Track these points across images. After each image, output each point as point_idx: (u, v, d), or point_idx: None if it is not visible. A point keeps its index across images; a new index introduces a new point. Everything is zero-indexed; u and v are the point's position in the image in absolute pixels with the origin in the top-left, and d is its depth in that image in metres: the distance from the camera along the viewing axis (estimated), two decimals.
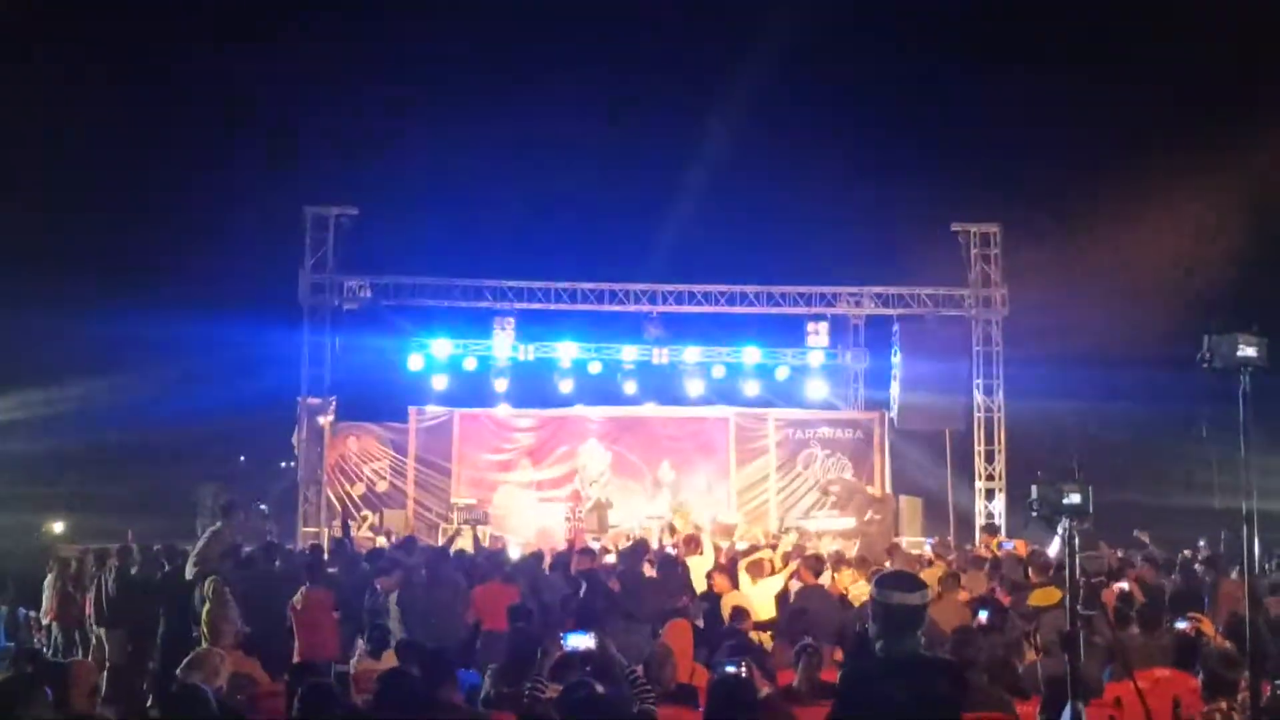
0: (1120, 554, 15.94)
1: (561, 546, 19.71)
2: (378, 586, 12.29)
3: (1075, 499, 5.73)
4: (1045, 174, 25.29)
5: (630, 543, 18.49)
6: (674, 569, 13.21)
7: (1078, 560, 5.88)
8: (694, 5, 26.02)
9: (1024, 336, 24.07)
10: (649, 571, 13.21)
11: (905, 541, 20.54)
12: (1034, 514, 5.89)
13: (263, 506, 17.24)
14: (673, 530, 18.71)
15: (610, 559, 15.70)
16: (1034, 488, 5.91)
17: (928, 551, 17.82)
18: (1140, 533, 17.32)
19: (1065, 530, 5.73)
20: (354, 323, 23.31)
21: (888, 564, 14.44)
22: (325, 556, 14.03)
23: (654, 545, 17.77)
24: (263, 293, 24.98)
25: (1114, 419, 24.09)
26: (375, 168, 25.93)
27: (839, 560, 14.89)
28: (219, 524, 13.72)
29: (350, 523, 19.25)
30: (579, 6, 25.23)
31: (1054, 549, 13.29)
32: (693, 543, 14.77)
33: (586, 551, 15.15)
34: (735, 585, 12.81)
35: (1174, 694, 6.91)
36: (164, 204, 26.40)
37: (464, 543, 20.35)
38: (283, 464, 26.75)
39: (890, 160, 26.79)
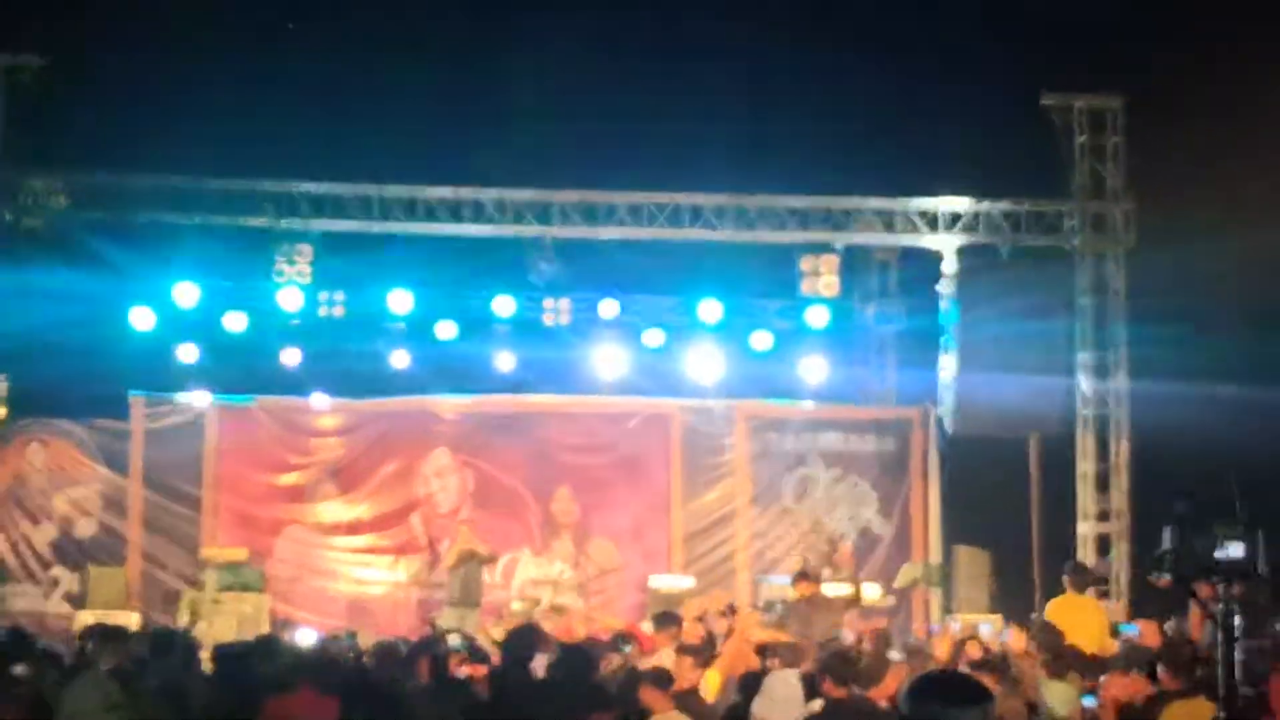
0: None
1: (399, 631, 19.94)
2: None
3: (1236, 551, 6.03)
4: (1197, 14, 24.69)
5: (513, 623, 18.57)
6: (585, 667, 12.87)
7: (1237, 652, 6.26)
8: None
9: (1160, 282, 23.62)
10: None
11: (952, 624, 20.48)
12: (1164, 575, 6.33)
13: None
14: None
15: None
16: (1168, 531, 6.31)
17: (989, 637, 17.61)
18: None
19: (1220, 602, 6.02)
20: (38, 251, 23.01)
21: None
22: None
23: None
24: None
25: None
26: None
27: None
28: None
29: None
30: None
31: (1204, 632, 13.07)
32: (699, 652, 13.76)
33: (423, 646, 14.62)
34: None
35: None
36: None
37: (225, 628, 20.34)
38: None
39: None
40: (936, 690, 5.05)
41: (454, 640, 16.72)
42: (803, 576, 21.05)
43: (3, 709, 10.64)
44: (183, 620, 21.19)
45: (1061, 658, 13.53)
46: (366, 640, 18.05)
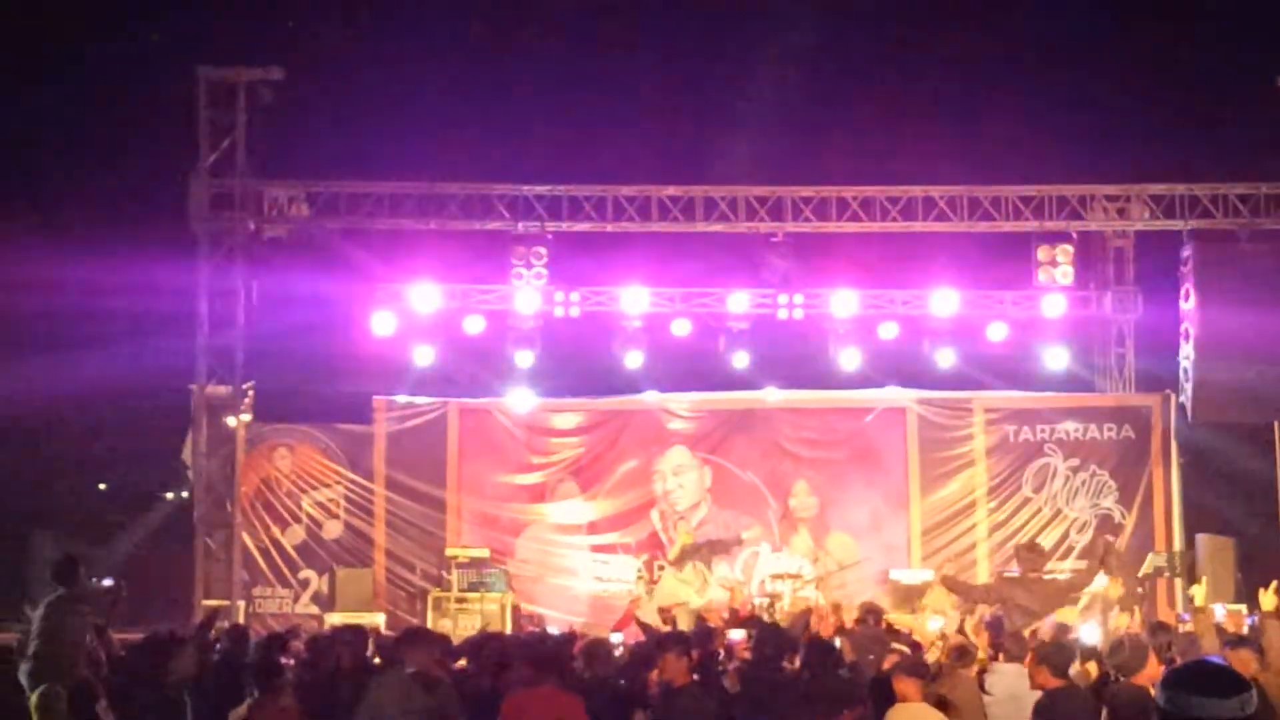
0: None
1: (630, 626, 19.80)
2: None
3: None
4: None
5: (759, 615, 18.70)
6: (833, 662, 13.16)
7: None
8: None
9: None
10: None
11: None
12: None
13: (106, 581, 17.36)
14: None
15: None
16: None
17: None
18: None
19: None
20: (281, 258, 23.32)
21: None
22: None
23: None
24: (130, 210, 25.12)
25: None
26: (314, 4, 25.63)
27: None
28: (60, 592, 13.99)
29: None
30: None
31: None
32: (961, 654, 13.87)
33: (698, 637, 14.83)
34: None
35: None
36: None
37: (470, 628, 20.60)
38: (168, 495, 26.85)
39: None
40: (1194, 681, 4.93)
41: (735, 634, 17.09)
42: (1020, 554, 21.28)
43: (274, 699, 11.36)
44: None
45: None
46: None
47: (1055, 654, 11.67)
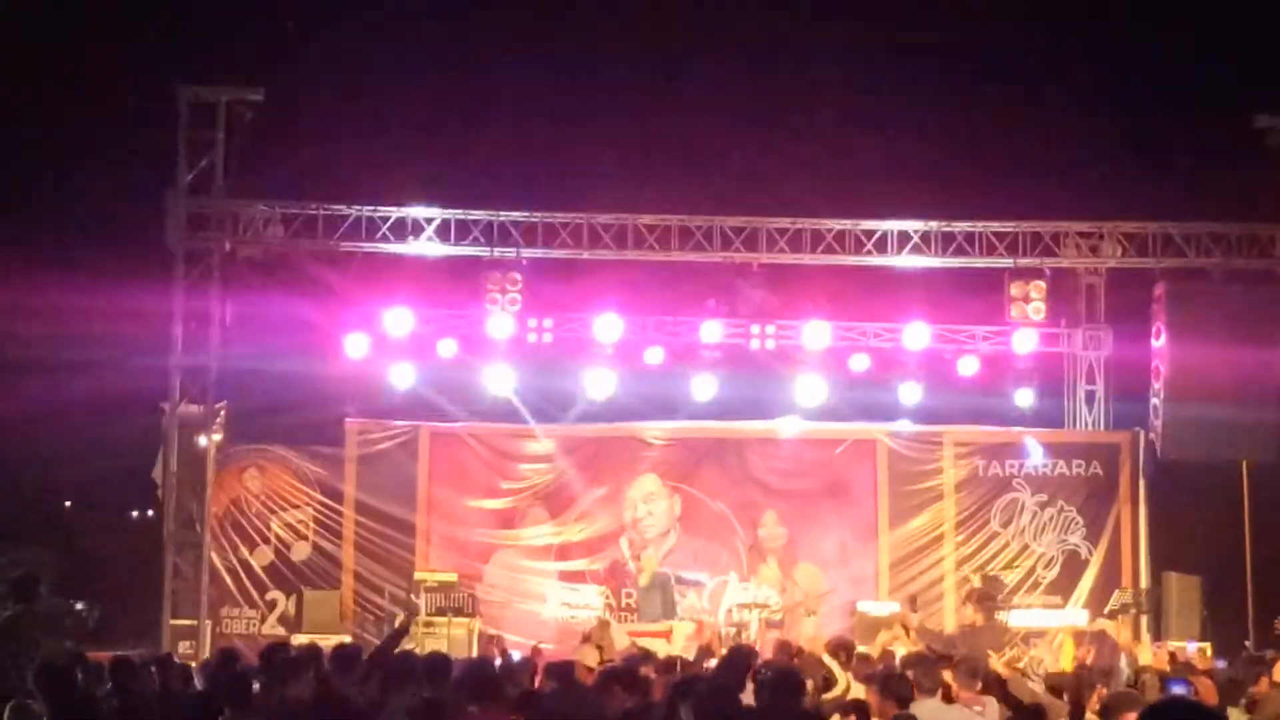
0: None
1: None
2: None
3: None
4: None
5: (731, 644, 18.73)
6: (793, 693, 12.40)
7: None
8: None
9: None
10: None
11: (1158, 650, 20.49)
12: None
13: (79, 605, 17.12)
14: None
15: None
16: None
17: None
18: None
19: None
20: (256, 279, 23.60)
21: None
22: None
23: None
24: (107, 229, 25.28)
25: None
26: (295, 26, 25.76)
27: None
28: (16, 609, 14.03)
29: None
30: None
31: None
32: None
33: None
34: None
35: None
36: None
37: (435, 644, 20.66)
38: (133, 513, 27.07)
39: (1144, 15, 26.21)
40: (1171, 718, 5.07)
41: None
42: (978, 598, 21.29)
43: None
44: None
45: None
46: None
47: (897, 684, 11.92)
